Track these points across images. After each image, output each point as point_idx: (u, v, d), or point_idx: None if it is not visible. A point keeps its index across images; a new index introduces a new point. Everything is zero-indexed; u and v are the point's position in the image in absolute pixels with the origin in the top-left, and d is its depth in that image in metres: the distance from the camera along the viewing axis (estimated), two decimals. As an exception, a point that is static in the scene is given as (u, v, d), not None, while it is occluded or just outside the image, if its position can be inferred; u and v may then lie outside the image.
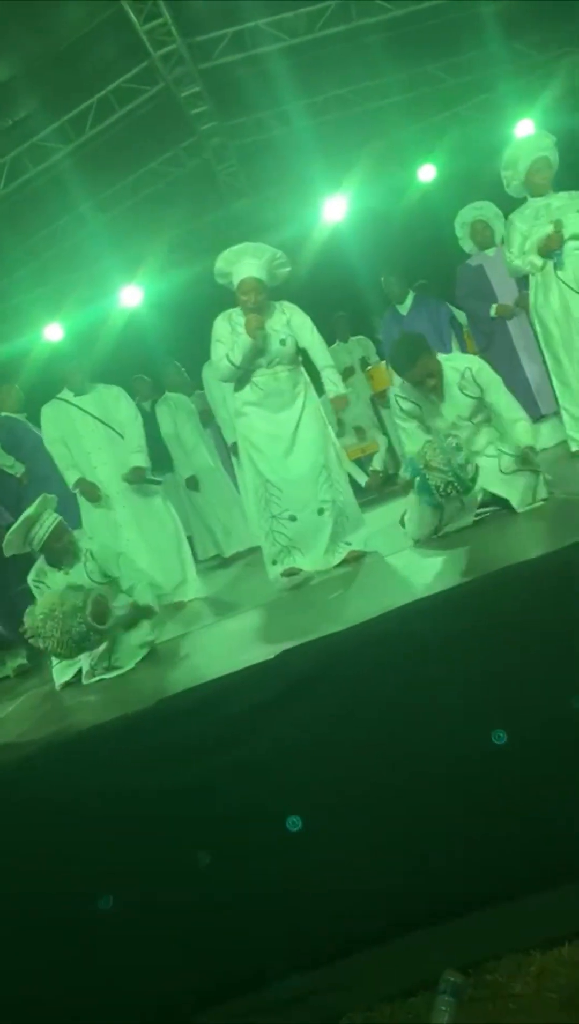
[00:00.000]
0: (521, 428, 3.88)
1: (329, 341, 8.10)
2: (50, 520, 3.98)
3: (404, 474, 3.77)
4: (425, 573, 3.47)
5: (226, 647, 3.53)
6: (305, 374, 4.46)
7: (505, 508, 3.86)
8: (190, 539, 7.06)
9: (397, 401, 4.05)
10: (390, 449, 7.49)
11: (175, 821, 2.66)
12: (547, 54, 8.17)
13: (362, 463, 7.57)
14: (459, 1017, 2.23)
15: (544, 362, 4.80)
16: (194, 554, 6.65)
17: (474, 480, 3.75)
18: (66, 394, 5.24)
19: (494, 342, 5.50)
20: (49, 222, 8.40)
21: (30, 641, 3.84)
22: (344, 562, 4.31)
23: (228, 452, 6.60)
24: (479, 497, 3.90)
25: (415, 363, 3.87)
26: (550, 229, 4.52)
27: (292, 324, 4.36)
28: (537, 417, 5.34)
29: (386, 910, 2.54)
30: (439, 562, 3.58)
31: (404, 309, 6.53)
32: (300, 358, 4.43)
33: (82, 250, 8.58)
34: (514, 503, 3.79)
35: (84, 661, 3.97)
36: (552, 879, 2.50)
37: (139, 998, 2.56)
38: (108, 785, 2.73)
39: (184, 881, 2.63)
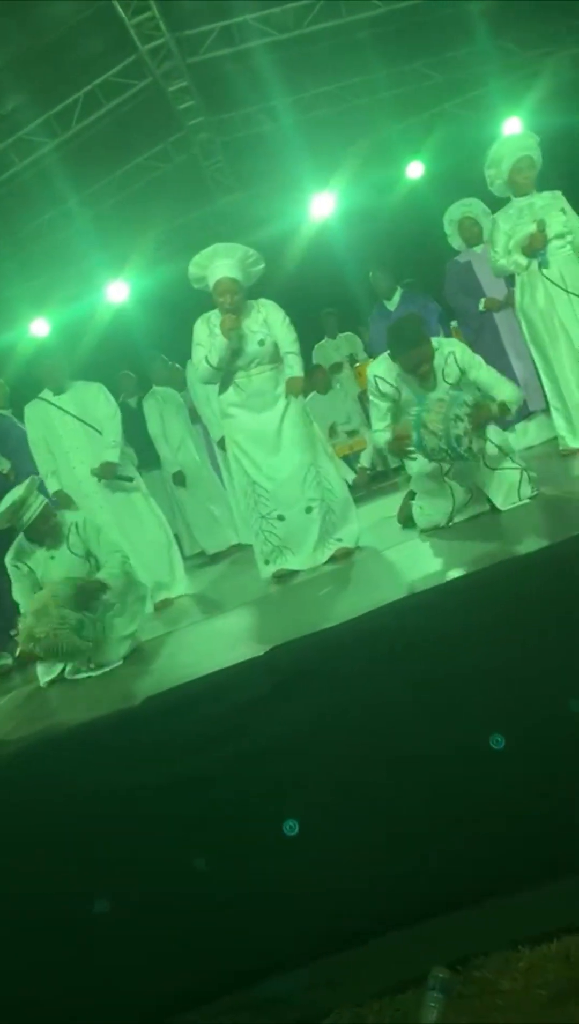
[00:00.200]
0: (506, 387, 3.91)
1: (317, 337, 8.19)
2: (37, 503, 3.97)
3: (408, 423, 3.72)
4: (415, 569, 3.47)
5: (215, 644, 3.52)
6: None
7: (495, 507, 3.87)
8: (176, 536, 7.07)
9: (376, 381, 3.99)
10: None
11: (163, 820, 2.65)
12: (534, 52, 8.21)
13: (350, 460, 7.56)
14: (447, 1013, 2.23)
15: (532, 359, 4.81)
16: (182, 552, 6.65)
17: (469, 452, 3.70)
18: (46, 394, 5.18)
19: (482, 339, 5.49)
20: (35, 217, 8.36)
21: (32, 651, 3.80)
22: (333, 558, 4.31)
23: (214, 448, 6.59)
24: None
25: (415, 347, 3.85)
26: (533, 228, 4.53)
27: (269, 322, 4.32)
28: (526, 414, 5.35)
29: (375, 907, 2.53)
30: (429, 558, 3.58)
31: (392, 305, 6.52)
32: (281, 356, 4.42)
33: (69, 245, 8.54)
34: (497, 503, 3.80)
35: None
36: (541, 876, 2.50)
37: (127, 996, 2.55)
38: (95, 784, 2.71)
39: (172, 880, 2.62)
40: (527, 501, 3.77)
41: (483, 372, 3.95)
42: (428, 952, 2.39)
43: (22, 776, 2.77)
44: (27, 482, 4.00)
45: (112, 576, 3.96)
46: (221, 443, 6.04)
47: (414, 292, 6.67)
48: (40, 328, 8.17)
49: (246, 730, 2.62)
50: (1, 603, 4.63)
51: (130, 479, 5.32)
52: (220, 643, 3.48)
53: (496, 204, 5.01)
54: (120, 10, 6.35)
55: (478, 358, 3.98)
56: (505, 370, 5.01)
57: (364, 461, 7.50)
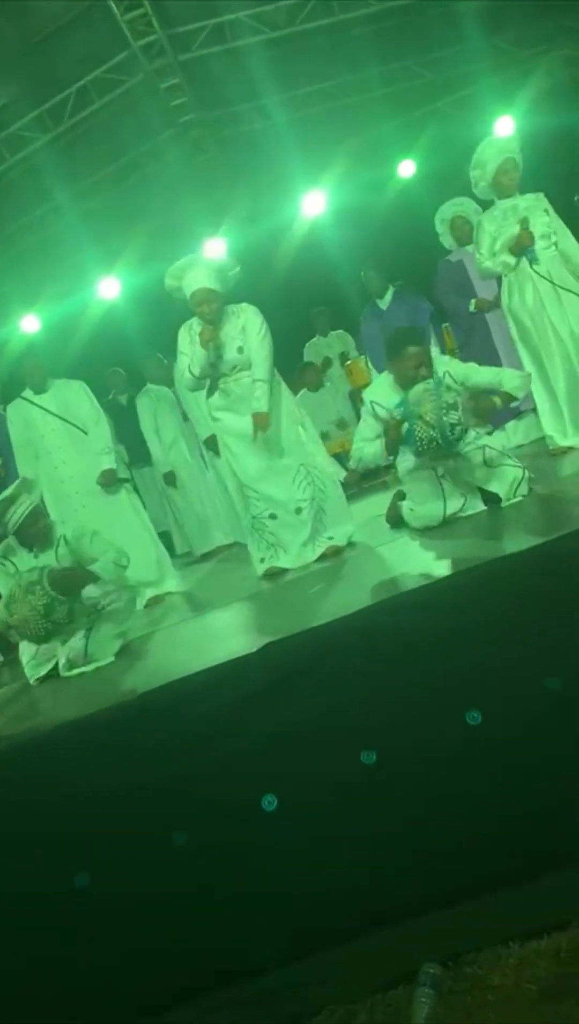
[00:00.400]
0: (509, 377, 3.96)
1: (308, 335, 8.19)
2: (27, 503, 3.96)
3: (396, 415, 3.74)
4: (406, 566, 3.48)
5: (207, 641, 3.52)
6: (276, 374, 4.45)
7: (489, 502, 3.88)
8: (168, 534, 7.06)
9: (372, 406, 4.03)
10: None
11: (156, 817, 2.65)
12: (527, 51, 8.20)
13: (341, 458, 7.55)
14: (439, 1009, 2.23)
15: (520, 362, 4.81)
16: (172, 549, 6.64)
17: (459, 441, 3.74)
18: (27, 393, 5.15)
19: (473, 338, 5.51)
20: (26, 212, 8.32)
21: (8, 633, 3.81)
22: (323, 556, 4.32)
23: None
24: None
25: (415, 345, 3.91)
26: (517, 228, 4.57)
27: (246, 329, 4.32)
28: (516, 413, 5.37)
29: (367, 903, 2.54)
30: (420, 556, 3.60)
31: (384, 304, 6.53)
32: None
33: (59, 241, 8.50)
34: (501, 494, 3.82)
35: (61, 654, 3.94)
36: (531, 872, 2.51)
37: (118, 993, 2.55)
38: (86, 781, 2.71)
39: (164, 877, 2.62)
40: (520, 498, 3.79)
41: (482, 375, 3.99)
42: (419, 948, 2.39)
43: (11, 774, 2.77)
44: (18, 482, 4.00)
45: (104, 569, 3.95)
46: (208, 443, 6.06)
47: (406, 291, 6.67)
48: (31, 324, 8.13)
49: (239, 727, 2.62)
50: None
51: (127, 480, 5.31)
52: (212, 640, 3.48)
53: (487, 203, 5.03)
54: (113, 6, 6.34)
55: (471, 365, 4.04)
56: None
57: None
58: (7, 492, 3.93)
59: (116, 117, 7.54)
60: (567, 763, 2.54)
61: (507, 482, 3.81)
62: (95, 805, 2.66)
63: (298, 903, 2.56)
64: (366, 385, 7.05)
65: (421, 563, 3.47)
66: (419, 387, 3.78)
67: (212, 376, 4.33)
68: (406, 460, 4.07)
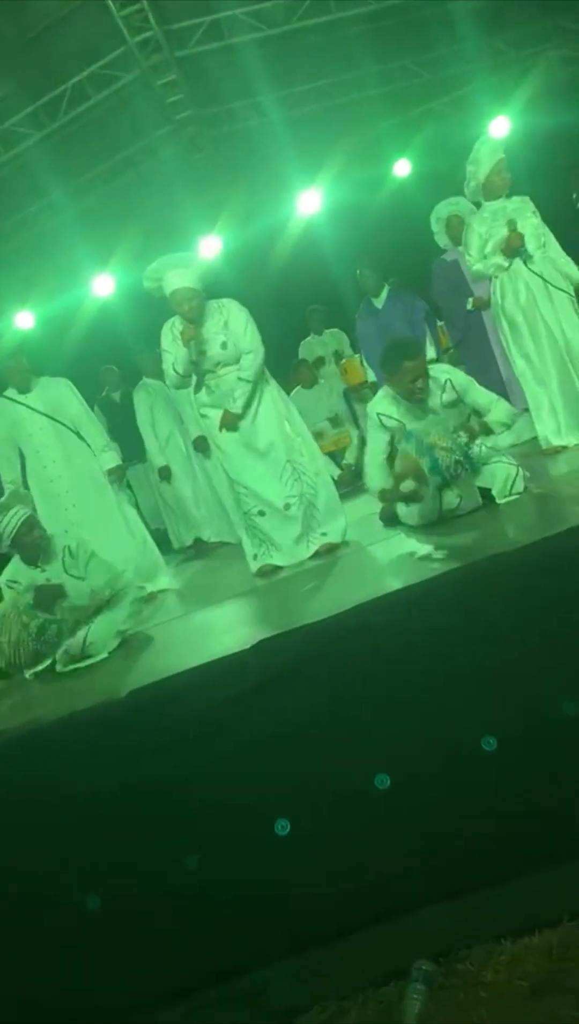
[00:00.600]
0: (501, 408, 4.05)
1: (303, 333, 8.19)
2: (20, 512, 3.93)
3: (408, 449, 3.75)
4: (400, 564, 3.49)
5: (200, 638, 3.52)
6: (264, 371, 4.44)
7: (484, 499, 3.89)
8: (162, 530, 7.05)
9: (379, 418, 4.07)
10: (362, 442, 7.50)
11: (147, 814, 2.65)
12: (524, 51, 8.21)
13: (335, 456, 7.56)
14: (430, 1006, 2.24)
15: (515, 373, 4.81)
16: (167, 546, 6.64)
17: (482, 459, 3.78)
18: (11, 392, 5.08)
19: (469, 337, 5.51)
20: (20, 208, 8.29)
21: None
22: (317, 554, 4.32)
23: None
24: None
25: (411, 359, 3.93)
26: (506, 232, 4.60)
27: (229, 324, 4.32)
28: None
29: (358, 900, 2.54)
30: (416, 553, 3.60)
31: (379, 302, 6.53)
32: None
33: (54, 237, 8.47)
34: (494, 492, 3.83)
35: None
36: (523, 869, 2.52)
37: (110, 990, 2.54)
38: (78, 778, 2.71)
39: (155, 874, 2.62)
40: (515, 496, 3.80)
41: (480, 395, 4.09)
42: (411, 945, 2.40)
43: (6, 768, 2.76)
44: (11, 492, 3.98)
45: (96, 589, 3.93)
46: (196, 444, 6.08)
47: (401, 290, 6.67)
48: (25, 321, 8.12)
49: (232, 724, 2.62)
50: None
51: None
52: (205, 637, 3.48)
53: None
54: (109, 2, 6.31)
55: (472, 380, 4.11)
56: (490, 368, 5.04)
57: (349, 458, 7.50)
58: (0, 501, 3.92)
59: (111, 114, 7.51)
60: (560, 761, 2.55)
61: (501, 480, 3.82)
62: (87, 802, 2.66)
63: (290, 900, 2.56)
64: (361, 383, 7.09)
65: (415, 561, 3.47)
66: (420, 423, 3.83)
67: (197, 373, 4.32)
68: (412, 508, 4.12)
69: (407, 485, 3.77)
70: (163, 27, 6.72)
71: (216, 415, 4.37)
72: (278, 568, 4.33)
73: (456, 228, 5.83)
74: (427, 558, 3.42)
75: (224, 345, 4.28)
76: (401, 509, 4.11)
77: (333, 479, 7.17)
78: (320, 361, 7.91)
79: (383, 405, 4.10)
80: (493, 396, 4.12)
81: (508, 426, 4.09)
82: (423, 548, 3.62)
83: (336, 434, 7.55)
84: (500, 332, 4.84)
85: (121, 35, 6.64)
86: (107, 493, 5.14)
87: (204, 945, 2.55)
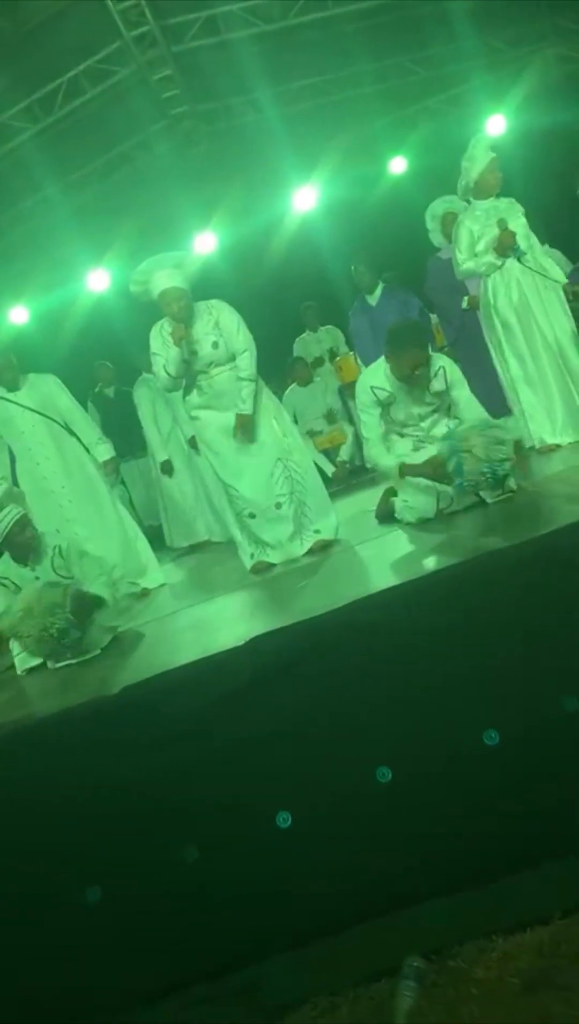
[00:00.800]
0: (478, 413, 4.02)
1: (298, 330, 8.18)
2: (13, 511, 3.93)
3: (441, 450, 3.72)
4: (394, 562, 3.49)
5: (194, 635, 3.51)
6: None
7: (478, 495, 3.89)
8: (156, 527, 7.03)
9: (372, 391, 4.04)
10: (357, 440, 7.50)
11: (140, 809, 2.65)
12: (519, 50, 8.21)
13: (329, 453, 7.56)
14: (422, 1002, 2.25)
15: (509, 372, 4.81)
16: (161, 542, 6.62)
17: (506, 478, 3.74)
18: None
19: (464, 336, 5.50)
20: (15, 203, 8.26)
21: (9, 641, 3.76)
22: (311, 551, 4.32)
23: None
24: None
25: (417, 347, 3.92)
26: (498, 230, 4.62)
27: (221, 324, 4.31)
28: (506, 411, 5.38)
29: (351, 897, 2.55)
30: (408, 551, 3.60)
31: (373, 300, 6.52)
32: None
33: (49, 232, 8.45)
34: (486, 496, 3.83)
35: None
36: (514, 866, 2.52)
37: (101, 985, 2.54)
38: (73, 772, 2.70)
39: (147, 869, 2.62)
40: (510, 495, 3.81)
41: (464, 393, 4.08)
42: (403, 942, 2.41)
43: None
44: (3, 491, 3.96)
45: (105, 594, 3.93)
46: (192, 442, 6.06)
47: (395, 287, 6.66)
48: (19, 315, 8.10)
49: (226, 720, 2.62)
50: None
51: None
52: (199, 633, 3.48)
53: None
54: (106, -4, 6.31)
55: (465, 381, 4.11)
56: (485, 366, 5.04)
57: (343, 455, 7.50)
58: None
59: (107, 108, 7.48)
60: (553, 760, 2.55)
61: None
62: (80, 798, 2.66)
63: (282, 897, 2.57)
64: (356, 381, 7.07)
65: (410, 558, 3.48)
66: (466, 425, 3.80)
67: (188, 375, 4.32)
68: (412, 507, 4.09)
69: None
70: (159, 22, 6.70)
71: (207, 416, 4.36)
72: (272, 565, 4.33)
73: (451, 225, 5.81)
74: (422, 555, 3.42)
75: (215, 345, 4.28)
76: (399, 506, 4.10)
77: (328, 476, 7.24)
78: (318, 361, 7.90)
79: (378, 378, 4.06)
80: (475, 402, 4.10)
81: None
82: (418, 545, 3.63)
83: (331, 431, 7.56)
84: (490, 332, 4.85)
85: (117, 29, 6.63)
86: (100, 489, 5.12)
87: (197, 941, 2.55)
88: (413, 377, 3.93)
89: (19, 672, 4.03)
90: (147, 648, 3.68)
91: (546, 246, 6.35)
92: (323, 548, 4.33)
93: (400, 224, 7.22)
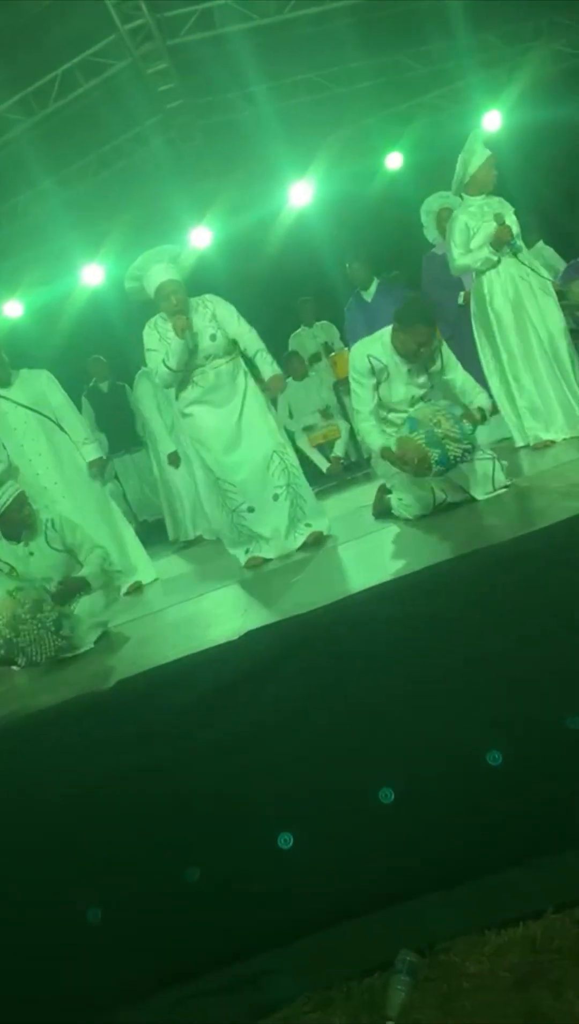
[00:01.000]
0: (481, 394, 4.09)
1: (294, 325, 8.17)
2: (12, 488, 3.93)
3: (423, 442, 3.69)
4: (389, 557, 3.49)
5: (188, 628, 3.51)
6: (243, 364, 4.45)
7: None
8: (151, 522, 7.02)
9: (368, 359, 4.01)
10: (352, 435, 7.50)
11: (133, 805, 2.64)
12: (515, 46, 8.21)
13: (324, 449, 7.57)
14: (415, 996, 2.25)
15: (500, 365, 4.81)
16: (162, 534, 6.60)
17: (474, 448, 3.77)
18: None
19: (459, 332, 5.50)
20: (9, 196, 8.22)
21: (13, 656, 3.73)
22: (306, 544, 4.32)
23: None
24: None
25: (426, 324, 3.90)
26: (494, 225, 4.63)
27: (218, 316, 4.33)
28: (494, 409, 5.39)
29: (344, 892, 2.55)
30: (403, 546, 3.60)
31: (368, 296, 6.53)
32: (236, 349, 4.41)
33: (43, 227, 8.42)
34: (475, 494, 3.84)
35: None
36: (507, 862, 2.53)
37: (94, 980, 2.54)
38: (66, 767, 2.70)
39: (140, 865, 2.62)
40: (503, 490, 3.81)
41: (460, 375, 4.09)
42: (396, 936, 2.41)
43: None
44: (2, 468, 3.95)
45: (93, 575, 3.97)
46: (170, 458, 6.06)
47: (391, 283, 6.67)
48: (13, 309, 8.07)
49: (219, 714, 2.62)
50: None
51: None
52: (193, 627, 3.47)
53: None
54: (101, -12, 6.27)
55: (459, 363, 4.12)
56: (480, 362, 5.04)
57: (338, 451, 7.51)
58: None
59: (102, 102, 7.44)
60: (548, 758, 2.56)
61: (480, 475, 3.83)
62: (73, 792, 2.65)
63: (276, 891, 2.56)
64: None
65: (404, 553, 3.47)
66: (426, 409, 3.77)
67: (185, 369, 4.31)
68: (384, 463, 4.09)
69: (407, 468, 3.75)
70: (155, 15, 6.67)
71: (201, 412, 4.35)
72: (267, 560, 4.33)
73: (446, 221, 5.81)
74: (417, 551, 3.42)
75: (213, 337, 4.28)
76: (394, 503, 4.10)
77: (322, 472, 7.25)
78: (315, 357, 7.89)
79: (375, 348, 4.05)
80: (473, 382, 4.13)
81: (486, 415, 4.08)
82: (414, 540, 3.63)
83: (326, 427, 7.56)
84: (481, 327, 4.85)
85: (112, 22, 6.59)
86: (92, 485, 5.13)
87: (190, 936, 2.55)
88: (417, 354, 3.92)
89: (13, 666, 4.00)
90: (140, 643, 3.67)
91: (540, 243, 6.38)
92: (317, 541, 4.34)
93: (396, 220, 7.22)
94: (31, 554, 3.95)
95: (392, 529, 4.00)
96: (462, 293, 5.64)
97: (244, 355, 4.43)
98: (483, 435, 5.42)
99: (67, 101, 7.15)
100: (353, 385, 4.15)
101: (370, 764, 2.59)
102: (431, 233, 6.10)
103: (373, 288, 6.55)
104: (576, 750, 2.52)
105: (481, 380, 4.93)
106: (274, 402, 5.77)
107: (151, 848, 2.62)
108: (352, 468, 7.33)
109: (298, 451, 6.15)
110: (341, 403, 7.53)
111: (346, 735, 2.60)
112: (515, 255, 4.65)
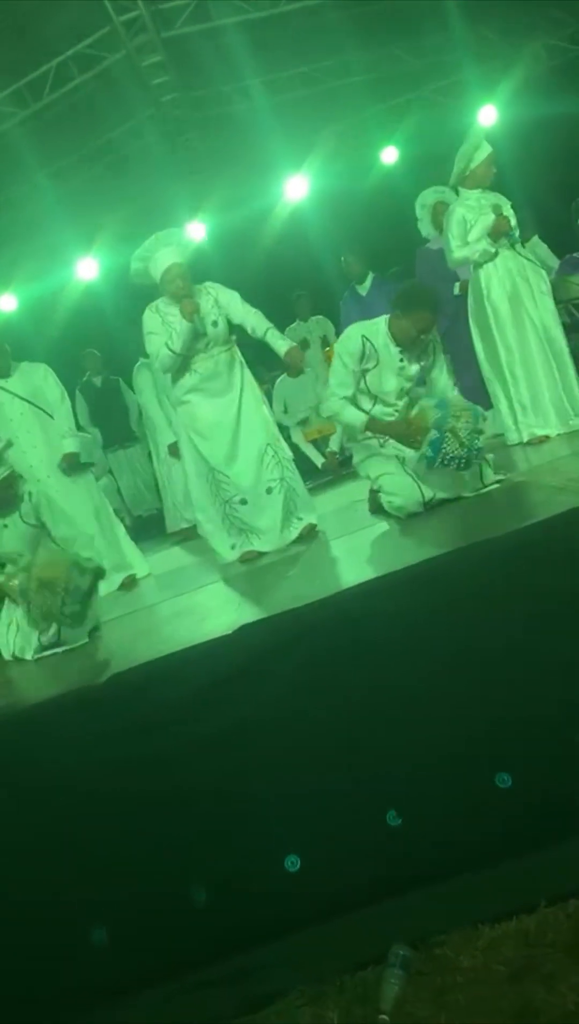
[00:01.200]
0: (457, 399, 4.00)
1: (289, 320, 8.15)
2: (4, 467, 3.96)
3: (429, 417, 3.65)
4: (384, 551, 3.49)
5: (182, 622, 3.51)
6: (240, 354, 4.45)
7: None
8: (150, 516, 7.00)
9: (362, 340, 3.94)
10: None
11: (127, 798, 2.63)
12: (510, 40, 8.19)
13: (319, 444, 7.56)
14: (408, 990, 2.25)
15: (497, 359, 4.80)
16: (160, 527, 6.59)
17: (473, 465, 3.74)
18: None
19: (455, 325, 5.47)
20: (2, 189, 8.19)
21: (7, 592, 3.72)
22: (300, 538, 4.32)
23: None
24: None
25: (430, 310, 3.87)
26: (493, 217, 4.64)
27: (220, 303, 4.33)
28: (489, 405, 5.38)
29: (337, 886, 2.54)
30: (399, 541, 3.60)
31: (363, 290, 6.52)
32: (233, 337, 4.41)
33: (38, 220, 8.39)
34: (465, 492, 3.83)
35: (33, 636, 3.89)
36: (500, 855, 2.53)
37: (88, 974, 2.54)
38: (60, 761, 2.69)
39: (134, 860, 2.61)
40: (495, 486, 3.80)
41: (443, 377, 4.10)
42: (389, 930, 2.41)
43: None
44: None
45: (85, 554, 3.94)
46: (170, 449, 6.04)
47: (386, 278, 6.65)
48: (7, 303, 8.04)
49: (213, 709, 2.61)
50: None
51: (91, 464, 5.25)
52: (187, 621, 3.46)
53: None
54: (95, -20, 6.25)
55: (445, 363, 4.14)
56: (476, 356, 5.03)
57: (333, 445, 7.49)
58: None
59: (96, 95, 7.43)
60: (541, 749, 2.56)
61: (465, 480, 3.82)
62: (66, 786, 2.64)
63: (270, 885, 2.56)
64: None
65: (399, 548, 3.47)
66: (460, 401, 3.76)
67: (186, 355, 4.30)
68: (365, 459, 4.06)
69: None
70: (149, 7, 6.64)
71: (197, 400, 4.34)
72: (260, 554, 4.31)
73: (442, 215, 5.79)
74: (412, 545, 3.42)
75: (215, 323, 4.29)
76: (385, 503, 4.05)
77: (317, 467, 7.23)
78: (304, 344, 7.87)
79: (371, 332, 3.98)
80: (453, 385, 4.11)
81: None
82: (409, 535, 3.63)
83: (321, 421, 7.53)
84: (478, 320, 4.84)
85: (107, 14, 6.56)
86: (86, 479, 5.13)
87: (182, 930, 2.55)
88: (416, 341, 3.89)
89: (6, 657, 4.00)
90: (134, 637, 3.66)
91: (535, 238, 6.38)
92: (310, 533, 4.33)
93: (391, 213, 7.21)
94: (4, 527, 3.98)
95: (387, 523, 3.99)
96: (457, 283, 5.62)
97: (254, 337, 4.42)
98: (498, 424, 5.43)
99: (61, 94, 7.13)
100: (336, 363, 4.07)
101: (364, 758, 2.58)
102: (425, 227, 6.09)
103: (368, 282, 6.54)
104: (570, 743, 2.52)
105: (480, 378, 4.95)
106: (269, 397, 5.77)
107: (144, 843, 2.61)
108: (347, 463, 7.31)
109: (293, 446, 6.15)
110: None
111: (341, 729, 2.60)
112: (512, 247, 4.65)
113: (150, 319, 4.33)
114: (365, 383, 3.99)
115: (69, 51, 6.95)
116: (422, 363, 4.01)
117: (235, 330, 4.43)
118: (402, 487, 3.91)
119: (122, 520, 5.70)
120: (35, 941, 2.59)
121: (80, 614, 3.70)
